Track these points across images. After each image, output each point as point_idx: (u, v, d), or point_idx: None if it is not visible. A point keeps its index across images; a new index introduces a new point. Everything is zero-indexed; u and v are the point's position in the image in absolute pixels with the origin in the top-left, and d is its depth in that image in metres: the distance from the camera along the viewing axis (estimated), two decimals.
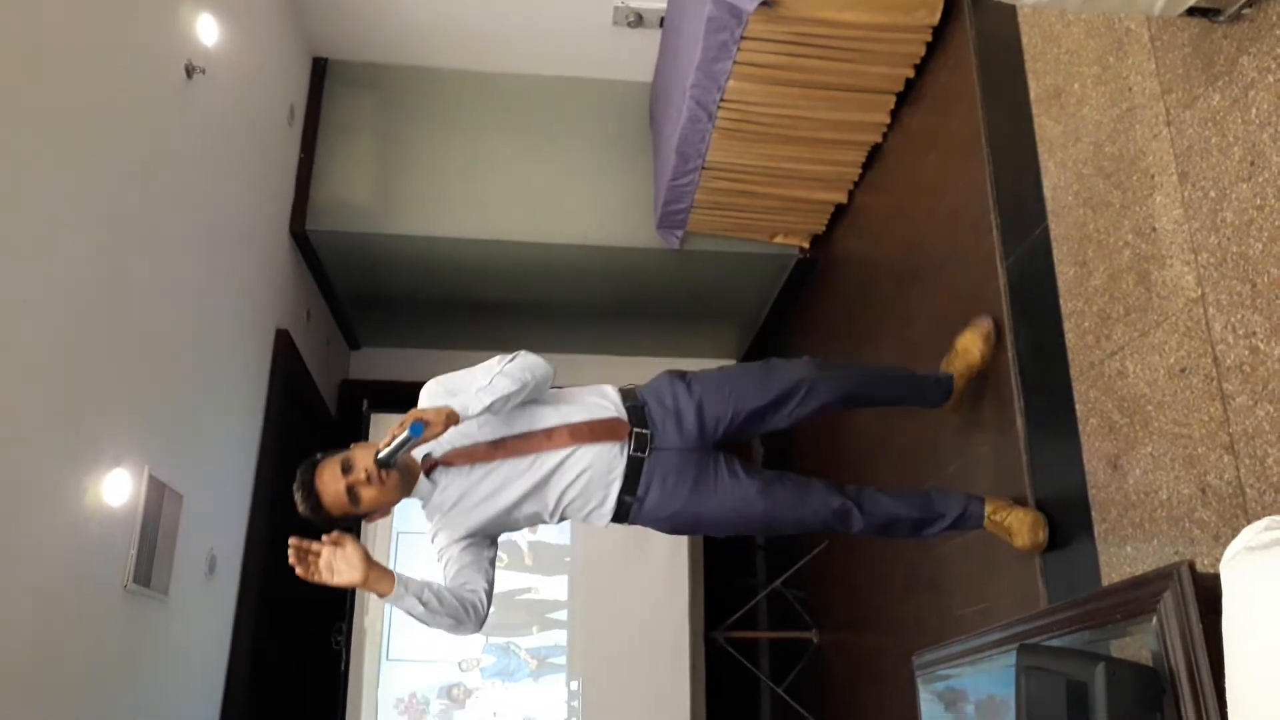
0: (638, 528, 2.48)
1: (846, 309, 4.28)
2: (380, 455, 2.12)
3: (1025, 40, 2.70)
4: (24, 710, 2.40)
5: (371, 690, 4.58)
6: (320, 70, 4.75)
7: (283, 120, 4.35)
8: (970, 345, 2.74)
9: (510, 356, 2.30)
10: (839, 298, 4.40)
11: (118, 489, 2.82)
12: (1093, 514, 2.29)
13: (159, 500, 3.06)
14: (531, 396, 2.32)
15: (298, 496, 2.19)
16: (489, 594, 2.29)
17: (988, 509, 2.53)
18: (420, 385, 2.34)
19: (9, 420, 2.33)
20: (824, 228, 4.45)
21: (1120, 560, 2.18)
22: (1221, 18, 1.89)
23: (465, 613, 2.21)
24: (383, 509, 2.26)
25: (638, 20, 4.55)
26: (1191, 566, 1.32)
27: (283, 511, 4.11)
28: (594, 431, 2.32)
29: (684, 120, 3.75)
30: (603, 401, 2.38)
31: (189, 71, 3.26)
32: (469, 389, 2.21)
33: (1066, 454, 2.40)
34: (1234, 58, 1.88)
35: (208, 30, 3.42)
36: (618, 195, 4.70)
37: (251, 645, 3.91)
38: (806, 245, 4.61)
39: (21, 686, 2.40)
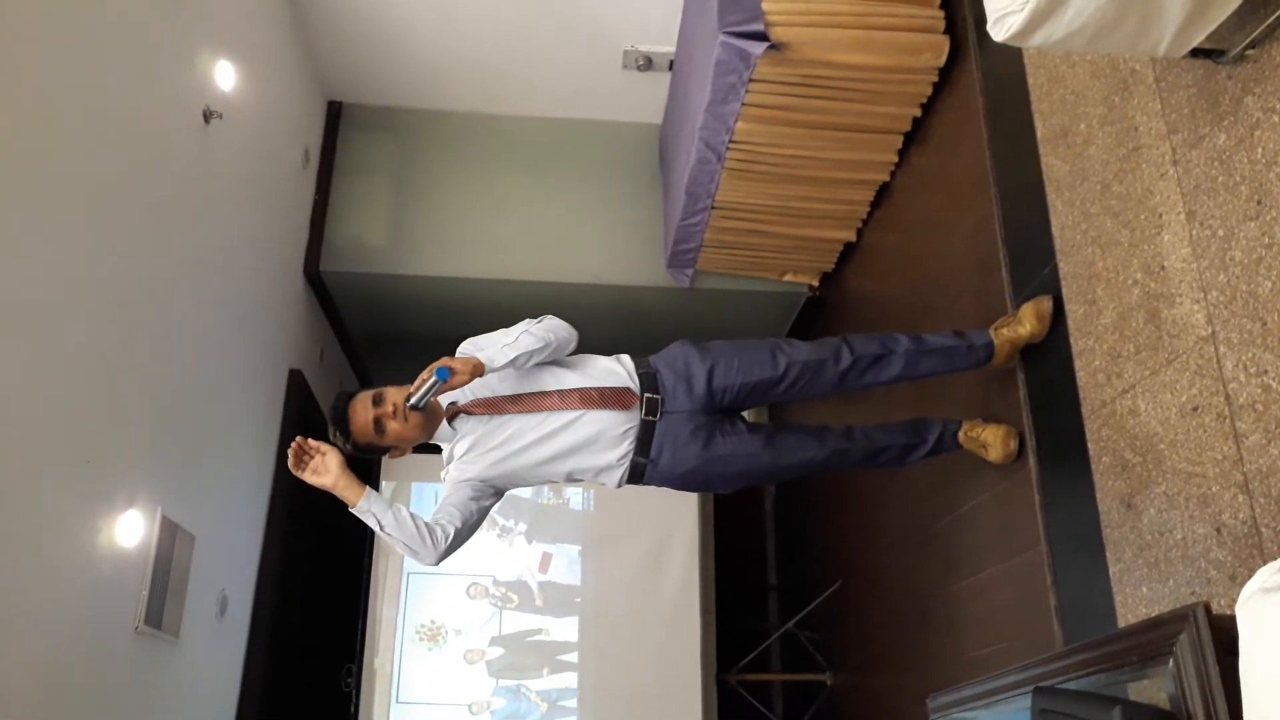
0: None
1: None
2: (410, 400, 2.28)
3: (1031, 81, 2.72)
4: None
5: None
6: (335, 113, 4.82)
7: (298, 163, 4.41)
8: (1025, 316, 2.62)
9: (538, 319, 2.49)
10: None
11: (130, 530, 2.83)
12: (1107, 554, 2.27)
13: (171, 541, 3.06)
14: (553, 357, 2.51)
15: (330, 419, 2.41)
16: (458, 533, 2.39)
17: (964, 426, 2.73)
18: None
19: (23, 461, 2.35)
20: (833, 265, 4.47)
21: (1136, 601, 2.16)
22: (1225, 59, 1.90)
23: (423, 541, 2.33)
24: (404, 445, 2.44)
25: (647, 64, 4.61)
26: (1207, 608, 1.30)
27: (294, 553, 4.11)
28: (603, 398, 2.48)
29: (693, 161, 3.78)
30: (616, 369, 2.55)
31: (206, 116, 3.32)
32: (497, 344, 2.42)
33: (1080, 494, 2.38)
34: (1239, 98, 1.89)
35: (225, 76, 3.48)
36: (628, 235, 4.73)
37: (262, 688, 3.88)
38: (816, 283, 4.62)
39: None
